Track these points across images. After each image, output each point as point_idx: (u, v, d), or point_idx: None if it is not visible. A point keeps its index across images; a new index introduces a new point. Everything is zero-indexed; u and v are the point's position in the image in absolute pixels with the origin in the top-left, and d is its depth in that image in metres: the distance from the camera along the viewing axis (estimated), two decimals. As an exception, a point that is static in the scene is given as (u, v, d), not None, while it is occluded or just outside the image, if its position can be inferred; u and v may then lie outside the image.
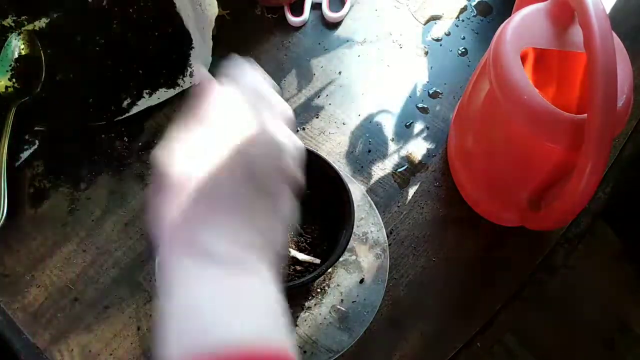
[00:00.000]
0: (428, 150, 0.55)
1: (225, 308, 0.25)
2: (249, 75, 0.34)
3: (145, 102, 0.55)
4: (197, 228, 0.27)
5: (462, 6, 0.64)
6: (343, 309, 0.46)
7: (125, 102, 0.55)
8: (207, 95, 0.32)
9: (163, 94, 0.56)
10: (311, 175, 0.45)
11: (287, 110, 0.34)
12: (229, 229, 0.28)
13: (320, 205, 0.46)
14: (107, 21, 0.55)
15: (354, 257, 0.48)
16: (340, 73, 0.59)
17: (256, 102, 0.32)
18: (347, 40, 0.62)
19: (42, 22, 0.54)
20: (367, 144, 0.55)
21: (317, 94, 0.58)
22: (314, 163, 0.44)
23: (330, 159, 0.54)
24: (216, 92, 0.32)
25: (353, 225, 0.43)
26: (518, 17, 0.41)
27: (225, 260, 0.27)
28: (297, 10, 0.63)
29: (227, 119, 0.31)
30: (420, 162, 0.55)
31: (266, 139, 0.31)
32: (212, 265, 0.26)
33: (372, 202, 0.50)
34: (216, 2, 0.54)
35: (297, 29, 0.62)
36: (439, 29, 0.63)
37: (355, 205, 0.49)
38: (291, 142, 0.32)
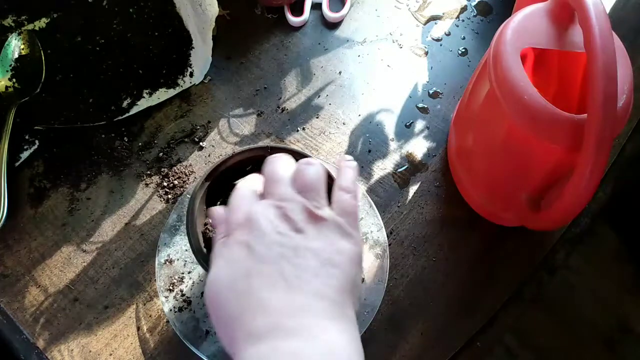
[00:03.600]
0: (428, 150, 0.55)
1: None
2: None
3: (145, 102, 0.55)
4: (249, 312, 0.28)
5: (462, 6, 0.64)
6: (343, 309, 0.46)
7: (125, 102, 0.55)
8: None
9: (163, 94, 0.56)
10: None
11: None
12: (279, 298, 0.28)
13: None
14: (107, 21, 0.55)
15: (354, 257, 0.48)
16: (340, 73, 0.59)
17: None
18: (347, 40, 0.62)
19: (42, 22, 0.54)
20: (367, 143, 0.55)
21: (317, 94, 0.58)
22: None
23: (330, 159, 0.54)
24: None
25: None
26: (518, 17, 0.41)
27: (288, 332, 0.26)
28: (297, 10, 0.63)
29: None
30: (420, 162, 0.55)
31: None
32: (275, 343, 0.26)
33: (372, 202, 0.50)
34: (216, 2, 0.54)
35: (297, 29, 0.62)
36: (439, 29, 0.63)
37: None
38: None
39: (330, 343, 0.27)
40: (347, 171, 0.35)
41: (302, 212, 0.31)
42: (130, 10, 0.55)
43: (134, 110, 0.55)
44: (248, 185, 0.35)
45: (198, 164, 0.54)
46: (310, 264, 0.29)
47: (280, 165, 0.34)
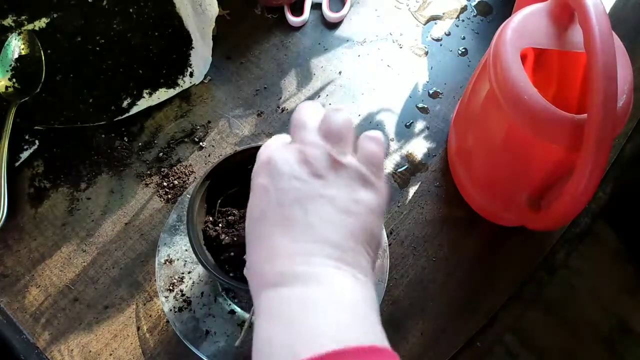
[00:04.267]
0: (428, 150, 0.55)
1: (300, 335, 0.25)
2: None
3: (145, 102, 0.55)
4: (261, 261, 0.28)
5: (462, 6, 0.64)
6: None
7: (125, 102, 0.55)
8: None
9: (163, 94, 0.56)
10: None
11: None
12: (294, 241, 0.28)
13: None
14: (107, 21, 0.55)
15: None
16: (340, 73, 0.59)
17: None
18: (347, 40, 0.62)
19: (42, 22, 0.54)
20: (367, 144, 0.55)
21: (317, 94, 0.58)
22: None
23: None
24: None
25: None
26: (518, 17, 0.41)
27: (295, 279, 0.27)
28: (297, 10, 0.63)
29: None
30: (420, 162, 0.55)
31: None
32: (283, 290, 0.26)
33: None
34: (216, 2, 0.54)
35: (297, 29, 0.62)
36: (439, 29, 0.63)
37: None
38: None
39: (340, 290, 0.26)
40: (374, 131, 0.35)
41: (324, 158, 0.30)
42: (130, 10, 0.55)
43: (134, 110, 0.55)
44: (277, 136, 0.34)
45: (198, 164, 0.54)
46: (324, 210, 0.28)
47: (308, 111, 0.33)
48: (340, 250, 0.28)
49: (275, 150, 0.31)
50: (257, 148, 0.43)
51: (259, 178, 0.31)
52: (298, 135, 0.32)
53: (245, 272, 0.30)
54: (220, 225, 0.42)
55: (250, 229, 0.30)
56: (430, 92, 0.59)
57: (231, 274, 0.40)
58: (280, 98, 0.58)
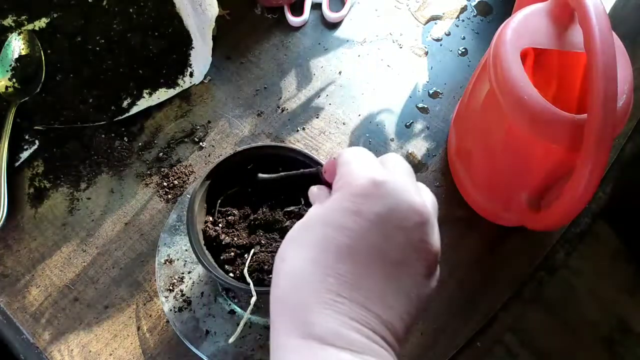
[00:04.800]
0: (428, 150, 0.55)
1: None
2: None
3: (145, 102, 0.55)
4: (315, 305, 0.24)
5: (462, 6, 0.64)
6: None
7: (125, 102, 0.55)
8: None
9: (163, 94, 0.56)
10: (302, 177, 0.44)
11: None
12: (355, 306, 0.24)
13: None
14: (107, 21, 0.55)
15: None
16: (340, 73, 0.59)
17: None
18: (347, 40, 0.62)
19: (42, 22, 0.54)
20: (368, 144, 0.55)
21: (317, 94, 0.58)
22: (301, 162, 0.43)
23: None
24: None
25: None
26: (518, 17, 0.41)
27: (343, 346, 0.23)
28: (297, 10, 0.63)
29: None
30: (420, 162, 0.55)
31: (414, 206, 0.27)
32: (333, 350, 0.23)
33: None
34: (216, 2, 0.54)
35: (297, 29, 0.62)
36: (439, 29, 0.63)
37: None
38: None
39: None
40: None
41: (429, 211, 0.27)
42: (130, 10, 0.55)
43: (134, 110, 0.55)
44: (365, 153, 0.30)
45: (198, 164, 0.54)
46: (408, 287, 0.25)
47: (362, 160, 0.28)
48: (393, 334, 0.25)
49: (399, 177, 0.27)
50: (257, 148, 0.44)
51: (369, 201, 0.25)
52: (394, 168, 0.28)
53: (273, 292, 0.26)
54: (220, 225, 0.42)
55: (316, 250, 0.25)
56: (430, 92, 0.59)
57: (231, 274, 0.40)
58: (280, 98, 0.58)
